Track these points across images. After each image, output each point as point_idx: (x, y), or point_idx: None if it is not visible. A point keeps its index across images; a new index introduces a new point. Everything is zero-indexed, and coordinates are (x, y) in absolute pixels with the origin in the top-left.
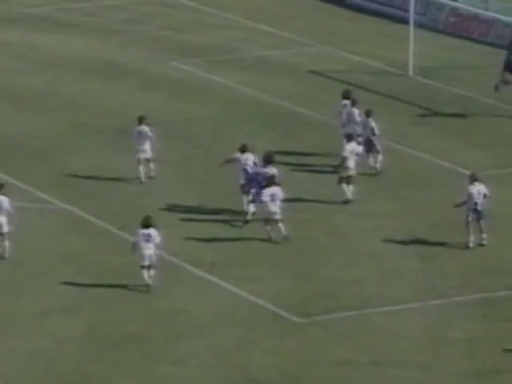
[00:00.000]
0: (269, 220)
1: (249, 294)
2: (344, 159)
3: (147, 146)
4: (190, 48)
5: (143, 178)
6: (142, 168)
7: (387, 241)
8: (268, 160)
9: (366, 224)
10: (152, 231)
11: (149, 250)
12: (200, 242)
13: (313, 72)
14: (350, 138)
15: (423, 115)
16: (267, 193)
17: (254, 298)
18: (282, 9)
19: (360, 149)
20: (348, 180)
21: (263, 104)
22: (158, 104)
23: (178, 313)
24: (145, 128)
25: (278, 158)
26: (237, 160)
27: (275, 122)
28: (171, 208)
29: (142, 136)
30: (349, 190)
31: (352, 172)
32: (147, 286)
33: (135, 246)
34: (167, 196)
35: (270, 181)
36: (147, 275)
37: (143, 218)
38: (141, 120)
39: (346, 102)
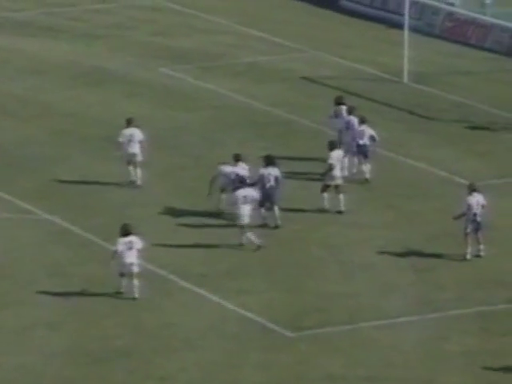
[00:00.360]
0: (242, 225)
1: (239, 307)
2: (331, 167)
3: (137, 150)
4: (178, 54)
5: (134, 178)
6: (132, 169)
7: (382, 252)
8: (269, 161)
9: (359, 235)
10: (133, 238)
11: (130, 258)
12: (189, 253)
13: (305, 78)
14: (333, 145)
15: (419, 123)
16: (239, 194)
17: (244, 311)
18: (274, 13)
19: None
20: (336, 189)
21: (254, 111)
22: (146, 112)
23: (166, 326)
24: (135, 130)
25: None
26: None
27: (267, 129)
28: (158, 218)
29: (132, 139)
30: (339, 200)
31: (339, 181)
32: (134, 298)
33: (115, 255)
34: (154, 206)
35: (241, 182)
36: (125, 283)
37: (122, 226)
38: (129, 122)
39: (339, 107)
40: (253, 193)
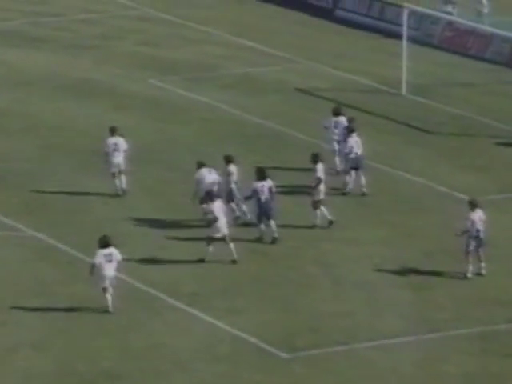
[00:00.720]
0: (214, 238)
1: (231, 327)
2: (320, 181)
3: (121, 159)
4: (168, 65)
5: (120, 191)
6: (117, 181)
7: (378, 270)
8: (261, 174)
9: (355, 252)
10: (113, 250)
11: (110, 270)
12: (179, 271)
13: (299, 90)
14: (317, 157)
15: (417, 136)
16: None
17: (236, 332)
18: (266, 23)
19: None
20: (317, 204)
21: (246, 124)
22: (134, 124)
23: (155, 347)
24: (119, 139)
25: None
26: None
27: (259, 143)
28: (147, 235)
29: (116, 148)
30: (317, 216)
31: (322, 196)
32: (106, 312)
33: (94, 268)
34: (142, 222)
35: (209, 195)
36: (110, 298)
37: (101, 238)
38: (113, 131)
39: (337, 119)
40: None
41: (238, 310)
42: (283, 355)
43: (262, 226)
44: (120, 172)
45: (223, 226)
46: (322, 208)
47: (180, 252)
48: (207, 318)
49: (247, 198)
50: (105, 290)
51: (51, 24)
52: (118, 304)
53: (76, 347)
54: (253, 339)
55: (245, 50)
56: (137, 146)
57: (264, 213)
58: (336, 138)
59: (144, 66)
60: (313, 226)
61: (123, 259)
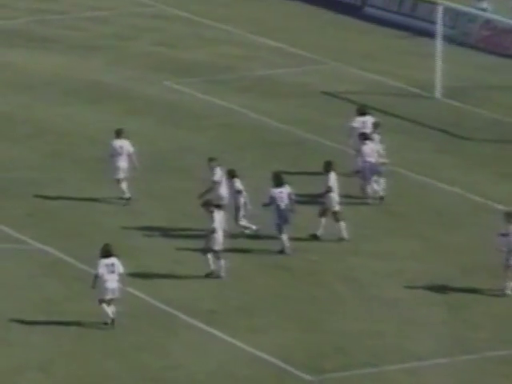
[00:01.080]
0: (211, 250)
1: (252, 348)
2: (330, 190)
3: (126, 164)
4: (184, 66)
5: (128, 194)
6: (123, 186)
7: (409, 287)
8: (278, 180)
9: (384, 267)
10: (115, 260)
11: (113, 282)
12: (195, 286)
13: (324, 93)
14: (330, 166)
15: (451, 143)
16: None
17: (257, 352)
18: (289, 21)
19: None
20: (335, 216)
21: (267, 130)
22: (148, 130)
23: (171, 368)
24: (125, 142)
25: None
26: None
27: (280, 150)
28: (160, 248)
29: (122, 151)
30: (340, 228)
31: (337, 207)
32: (112, 321)
33: (97, 279)
34: (155, 234)
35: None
36: (111, 311)
37: (103, 247)
38: (119, 133)
39: (364, 119)
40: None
41: (259, 328)
42: (308, 378)
43: (284, 237)
44: (124, 178)
45: (221, 239)
46: (342, 224)
47: (196, 266)
48: (226, 338)
49: (265, 205)
50: (102, 301)
51: (59, 23)
52: (130, 322)
53: (85, 369)
54: (275, 360)
55: (266, 50)
56: (150, 153)
57: (285, 221)
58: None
59: (159, 67)
60: (340, 240)
61: (136, 274)
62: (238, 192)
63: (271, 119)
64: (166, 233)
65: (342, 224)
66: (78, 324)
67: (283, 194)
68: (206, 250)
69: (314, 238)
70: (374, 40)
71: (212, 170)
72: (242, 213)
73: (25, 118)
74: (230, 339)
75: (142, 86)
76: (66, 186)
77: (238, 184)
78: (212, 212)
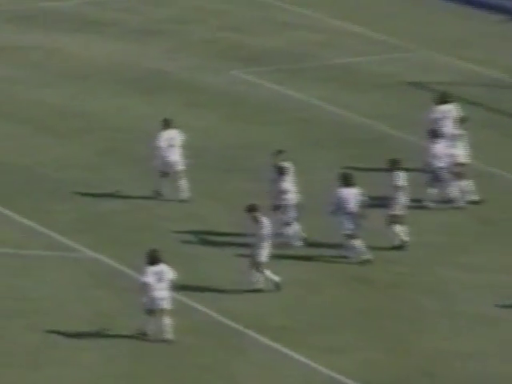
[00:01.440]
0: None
1: (328, 369)
2: (398, 190)
3: (178, 157)
4: (254, 54)
5: (185, 194)
6: (167, 183)
7: (508, 304)
8: (347, 180)
9: (477, 280)
10: (164, 267)
11: (162, 291)
12: (264, 300)
13: (412, 84)
14: (397, 163)
15: None
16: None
17: (334, 374)
18: (373, 4)
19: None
20: (400, 220)
21: (347, 125)
22: (212, 125)
23: None
24: (175, 133)
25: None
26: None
27: (364, 148)
28: (223, 256)
29: (172, 143)
30: (402, 232)
31: (404, 211)
32: (165, 341)
33: (146, 288)
34: (218, 241)
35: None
36: (160, 324)
37: (149, 253)
38: (168, 123)
39: (446, 108)
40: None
41: (337, 347)
42: None
43: (357, 244)
44: (176, 173)
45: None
46: (398, 226)
47: (266, 278)
48: (298, 357)
49: (332, 212)
50: (151, 312)
51: (115, 5)
52: (190, 339)
53: None
54: (353, 383)
55: (348, 36)
56: (215, 150)
57: (357, 226)
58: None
59: (226, 55)
60: (428, 247)
61: (196, 285)
62: (283, 192)
63: (352, 113)
64: (230, 240)
65: (396, 229)
66: (134, 341)
67: (352, 196)
68: (255, 265)
69: (398, 247)
70: (469, 25)
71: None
72: (288, 217)
73: (76, 111)
74: (302, 359)
75: (207, 75)
76: (120, 188)
77: (287, 185)
78: (258, 218)
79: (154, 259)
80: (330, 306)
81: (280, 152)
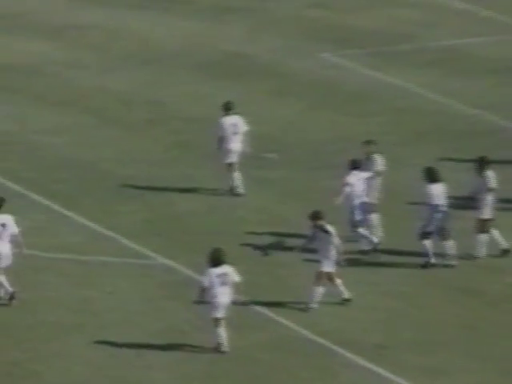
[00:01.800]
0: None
1: None
2: (489, 191)
3: (241, 146)
4: (348, 34)
5: (241, 189)
6: (236, 175)
7: None
8: (433, 176)
9: None
10: (228, 269)
11: (225, 296)
12: (358, 314)
13: None
14: (486, 161)
15: None
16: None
17: None
18: None
19: None
20: (487, 225)
21: (453, 116)
22: (298, 115)
23: None
24: (238, 119)
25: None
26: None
27: (472, 141)
28: (311, 266)
29: (236, 130)
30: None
31: (491, 214)
32: (221, 350)
33: (205, 293)
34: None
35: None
36: (224, 335)
37: (212, 253)
38: (229, 107)
39: None
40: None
41: (443, 369)
42: None
43: (428, 244)
44: (233, 164)
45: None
46: (494, 231)
47: (355, 288)
48: (398, 380)
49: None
50: (218, 322)
51: None
52: (273, 357)
53: None
54: None
55: (454, 14)
56: (300, 144)
57: (439, 229)
58: None
59: (314, 35)
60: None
61: (280, 297)
62: (346, 184)
63: (458, 102)
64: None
65: (491, 236)
66: (209, 358)
67: (440, 193)
68: (318, 279)
69: (506, 252)
70: None
71: (369, 158)
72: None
73: (145, 99)
74: (403, 382)
75: (293, 59)
76: (195, 186)
77: (353, 178)
78: (323, 227)
79: (216, 260)
80: (433, 322)
81: (370, 143)
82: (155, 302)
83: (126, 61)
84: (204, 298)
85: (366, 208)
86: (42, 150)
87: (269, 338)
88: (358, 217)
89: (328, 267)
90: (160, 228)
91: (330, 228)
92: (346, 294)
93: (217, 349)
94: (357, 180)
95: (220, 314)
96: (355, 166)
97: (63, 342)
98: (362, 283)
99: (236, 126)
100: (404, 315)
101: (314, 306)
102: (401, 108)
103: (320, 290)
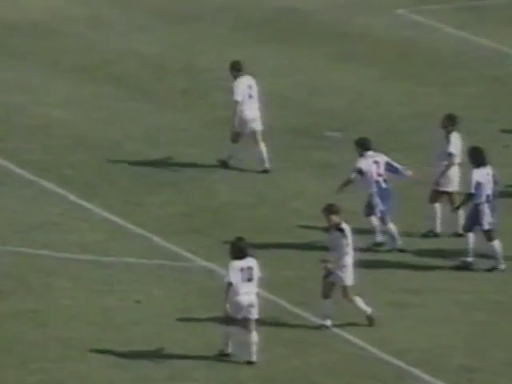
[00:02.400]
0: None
1: None
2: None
3: (257, 112)
4: None
5: (267, 163)
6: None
7: None
8: (480, 158)
9: None
10: (252, 262)
11: (249, 295)
12: (437, 330)
13: None
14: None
15: None
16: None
17: None
18: None
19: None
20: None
21: None
22: (368, 86)
23: None
24: (251, 80)
25: None
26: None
27: None
28: (381, 270)
29: (251, 94)
30: None
31: None
32: (249, 362)
33: (230, 289)
34: (373, 248)
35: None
36: (245, 339)
37: (234, 242)
38: (239, 67)
39: None
40: None
41: None
42: None
43: (471, 239)
44: (256, 135)
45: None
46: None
47: (433, 297)
48: None
49: (465, 202)
50: (232, 323)
51: None
52: (338, 380)
53: None
54: None
55: None
56: (369, 120)
57: (478, 220)
58: None
59: None
60: None
61: (347, 310)
62: (360, 173)
63: None
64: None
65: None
66: (258, 380)
67: (489, 177)
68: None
69: None
70: None
71: (448, 137)
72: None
73: (180, 65)
74: None
75: (362, 16)
76: (241, 172)
77: (366, 164)
78: (337, 224)
79: (239, 251)
80: None
81: (451, 119)
82: (193, 312)
83: (159, 18)
84: (228, 295)
85: (385, 195)
86: (54, 127)
87: (330, 358)
88: (378, 205)
89: (350, 279)
90: (198, 223)
91: (345, 226)
92: (369, 311)
93: (220, 353)
94: (371, 164)
95: (242, 314)
96: (366, 146)
97: (79, 362)
98: (442, 291)
99: (251, 88)
100: (495, 330)
101: (328, 323)
102: (494, 76)
103: (356, 303)
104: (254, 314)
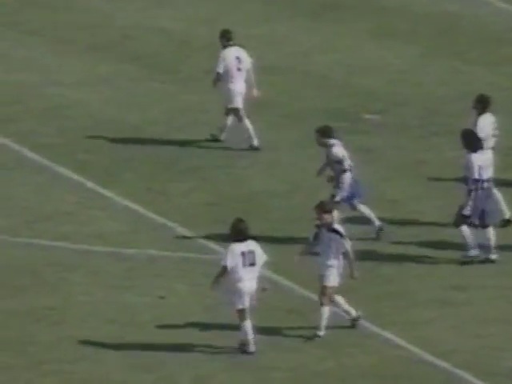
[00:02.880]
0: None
1: None
2: None
3: (244, 86)
4: None
5: (255, 141)
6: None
7: None
8: (475, 144)
9: None
10: (253, 245)
11: (251, 281)
12: (488, 328)
13: None
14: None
15: None
16: None
17: None
18: None
19: None
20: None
21: None
22: (409, 65)
23: None
24: (241, 52)
25: None
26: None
27: None
28: (424, 266)
29: (240, 66)
30: None
31: None
32: (248, 351)
33: (226, 274)
34: (416, 242)
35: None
36: (247, 329)
37: (234, 224)
38: (228, 36)
39: None
40: None
41: None
42: None
43: (467, 232)
44: (238, 111)
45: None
46: None
47: (480, 294)
48: None
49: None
50: (241, 312)
51: None
52: (378, 382)
53: None
54: None
55: None
56: (411, 102)
57: (480, 213)
58: None
59: None
60: None
61: (387, 307)
62: (337, 162)
63: None
64: (438, 237)
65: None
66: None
67: (481, 162)
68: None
69: None
70: None
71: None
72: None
73: (206, 42)
74: None
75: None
76: (273, 158)
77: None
78: (328, 225)
79: (240, 233)
80: None
81: (483, 100)
82: (219, 309)
83: None
84: (221, 280)
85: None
86: (70, 109)
87: (369, 359)
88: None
89: (335, 281)
90: (225, 213)
91: (339, 227)
92: (354, 313)
93: (241, 348)
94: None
95: (245, 302)
96: (328, 134)
97: (96, 363)
98: (490, 288)
99: (240, 60)
100: None
101: (321, 333)
102: None
103: (329, 311)
104: (254, 301)
